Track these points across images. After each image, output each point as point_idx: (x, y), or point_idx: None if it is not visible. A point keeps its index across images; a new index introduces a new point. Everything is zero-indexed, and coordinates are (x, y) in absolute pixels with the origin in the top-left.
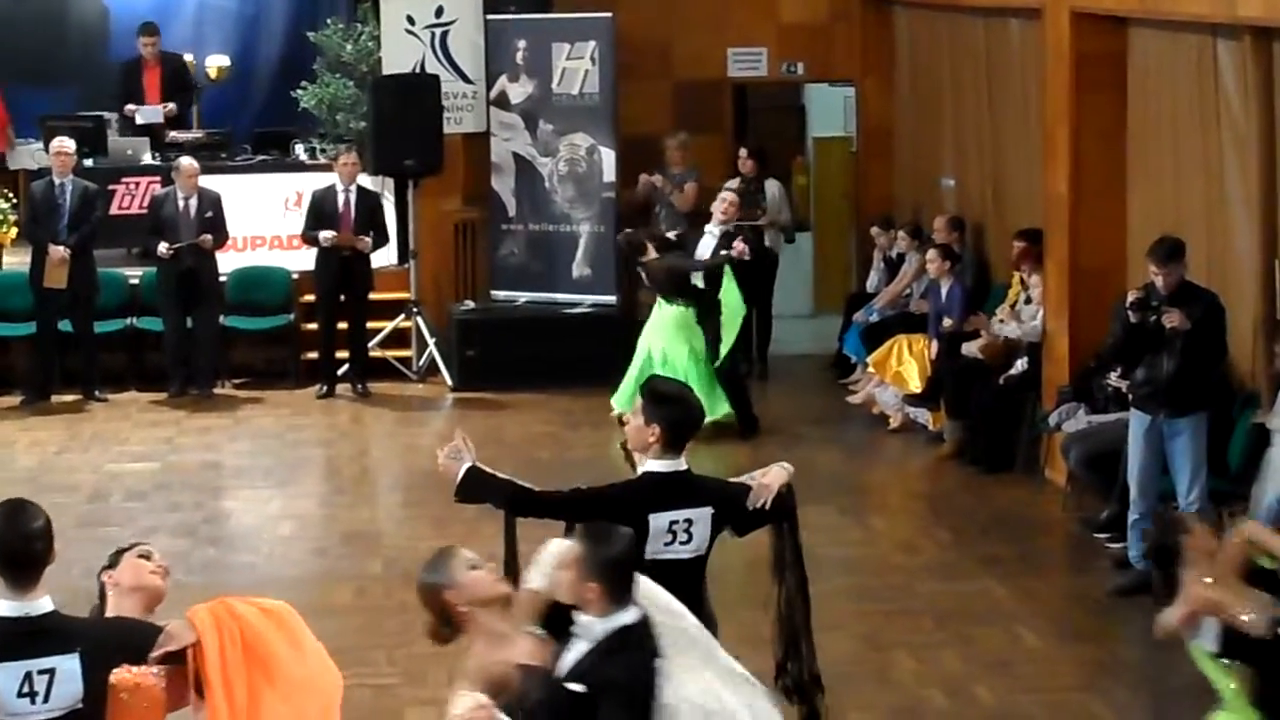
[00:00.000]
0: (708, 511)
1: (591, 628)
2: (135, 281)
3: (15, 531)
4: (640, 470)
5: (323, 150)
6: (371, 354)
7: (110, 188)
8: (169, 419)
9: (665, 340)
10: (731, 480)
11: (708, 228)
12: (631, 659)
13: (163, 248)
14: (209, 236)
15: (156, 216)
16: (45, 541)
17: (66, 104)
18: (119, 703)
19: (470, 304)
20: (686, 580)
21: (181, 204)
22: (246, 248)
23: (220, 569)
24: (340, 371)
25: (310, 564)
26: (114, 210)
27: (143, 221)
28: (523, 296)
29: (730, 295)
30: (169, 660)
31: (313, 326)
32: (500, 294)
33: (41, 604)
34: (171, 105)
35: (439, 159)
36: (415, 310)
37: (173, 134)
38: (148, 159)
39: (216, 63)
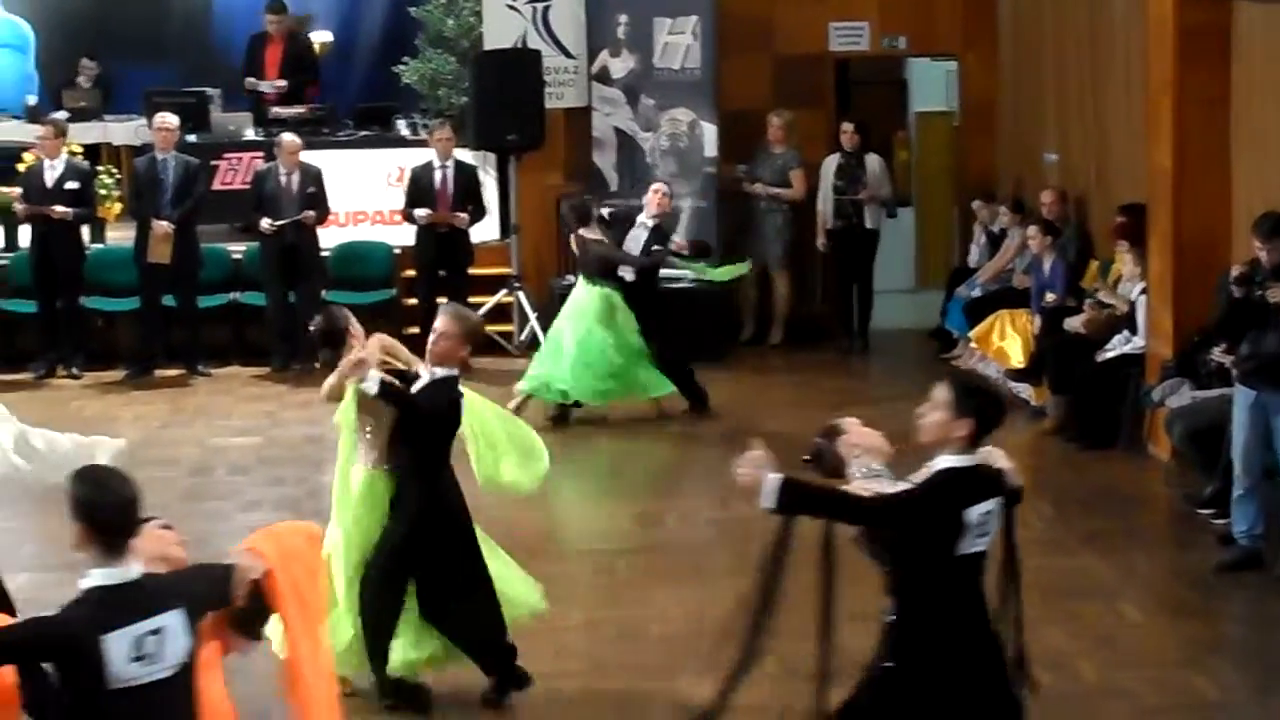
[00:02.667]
0: (999, 501)
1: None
2: (238, 257)
3: (114, 496)
4: (941, 467)
5: (424, 125)
6: None
7: (213, 163)
8: (271, 393)
9: (584, 324)
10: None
11: (640, 219)
12: None
13: (265, 223)
14: (311, 212)
15: (259, 192)
16: (138, 505)
17: (169, 80)
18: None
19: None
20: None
21: (284, 179)
22: (349, 223)
23: None
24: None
25: None
26: (217, 185)
27: (245, 197)
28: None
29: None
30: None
31: (414, 301)
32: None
33: (135, 567)
34: (284, 81)
35: (540, 134)
36: (516, 285)
37: (275, 110)
38: (250, 134)
39: (319, 38)
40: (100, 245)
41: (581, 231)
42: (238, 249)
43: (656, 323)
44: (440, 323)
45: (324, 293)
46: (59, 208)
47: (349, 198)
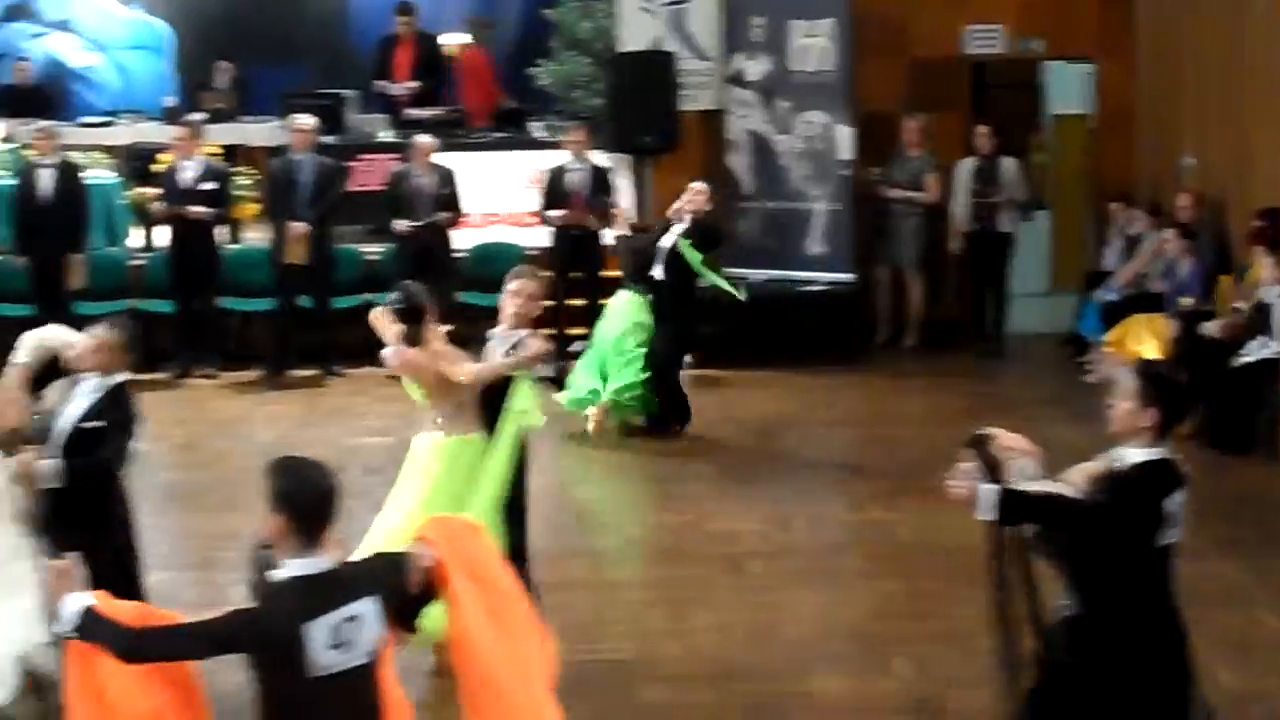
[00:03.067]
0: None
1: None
2: (372, 258)
3: (315, 487)
4: (1135, 460)
5: (559, 127)
6: None
7: (348, 164)
8: (405, 394)
9: (615, 326)
10: None
11: (671, 213)
12: None
13: (400, 224)
14: (445, 214)
15: (394, 193)
16: (337, 496)
17: (304, 81)
18: None
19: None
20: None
21: (418, 181)
22: (483, 224)
23: None
24: (571, 348)
25: (545, 538)
26: (352, 187)
27: (380, 198)
28: (758, 274)
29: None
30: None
31: (547, 302)
32: (735, 271)
33: (328, 557)
34: (416, 83)
35: (675, 136)
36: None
37: (411, 111)
38: (385, 136)
39: (456, 41)
40: (236, 246)
41: (621, 234)
42: (372, 250)
43: (680, 326)
44: (519, 284)
45: (457, 294)
46: (196, 208)
47: (483, 199)
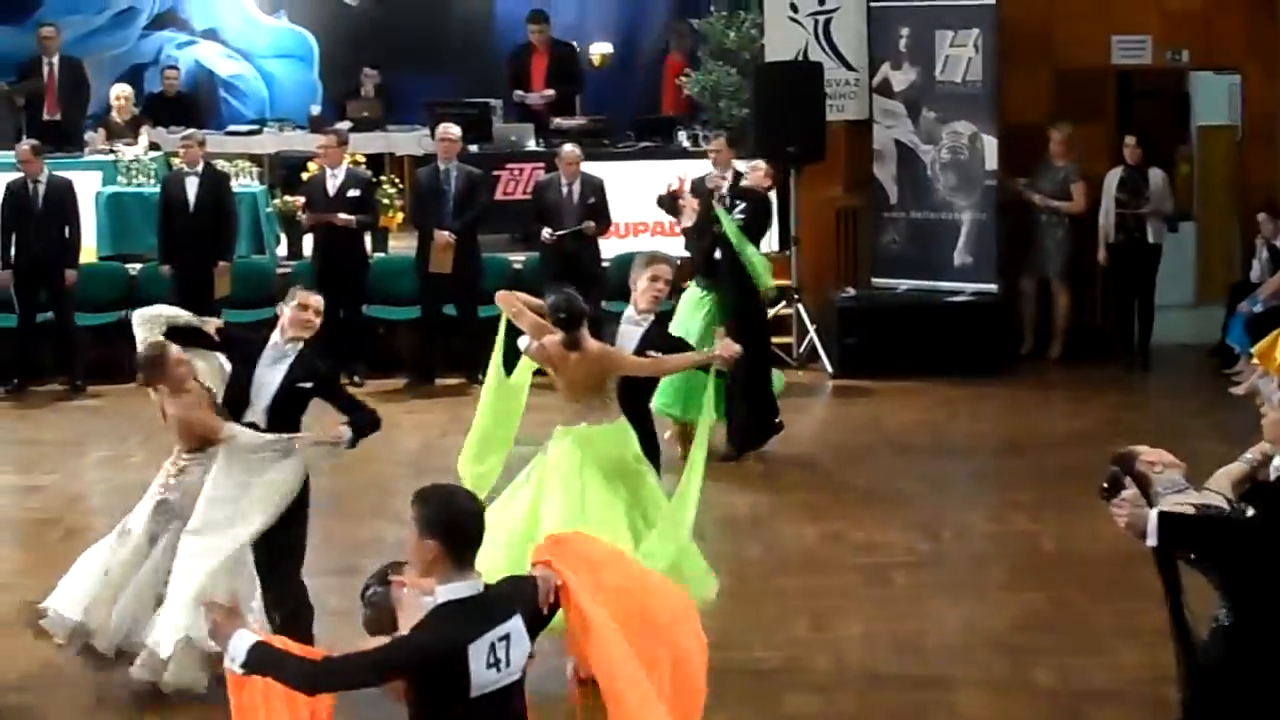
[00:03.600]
0: None
1: None
2: (518, 266)
3: (468, 512)
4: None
5: (705, 137)
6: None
7: (494, 173)
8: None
9: (682, 323)
10: None
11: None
12: None
13: (546, 233)
14: (591, 223)
15: (540, 202)
16: (484, 518)
17: (451, 90)
18: None
19: (851, 291)
20: None
21: (565, 190)
22: (629, 234)
23: None
24: None
25: None
26: (498, 196)
27: (526, 207)
28: (903, 284)
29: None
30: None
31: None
32: (881, 281)
33: (480, 580)
34: (551, 91)
35: (821, 146)
36: (796, 297)
37: (557, 120)
38: (532, 145)
39: (600, 50)
40: (382, 254)
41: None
42: (518, 259)
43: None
44: (655, 269)
45: (603, 303)
46: (342, 216)
47: (629, 208)
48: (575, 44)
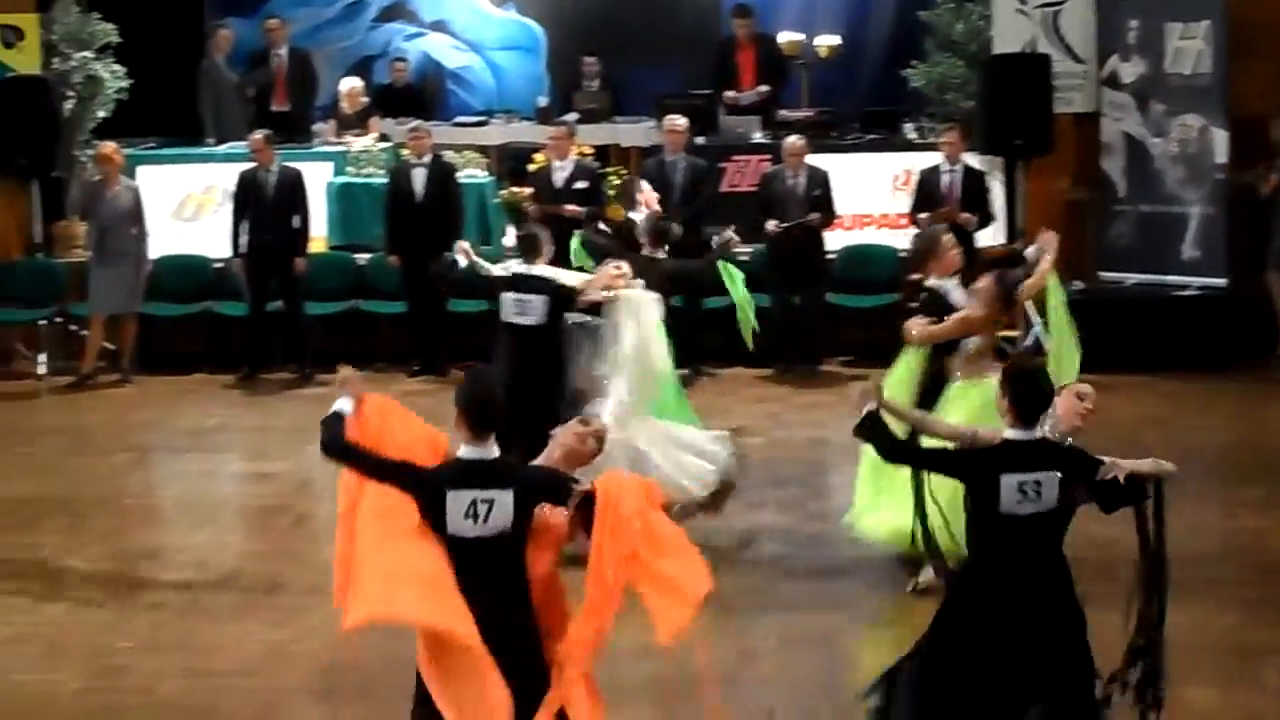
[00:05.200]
0: (1055, 475)
1: None
2: (744, 258)
3: (482, 393)
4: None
5: (931, 129)
6: None
7: (720, 165)
8: (775, 395)
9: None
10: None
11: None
12: None
13: (771, 225)
14: (817, 215)
15: (765, 194)
16: (497, 407)
17: (678, 82)
18: (535, 531)
19: (1079, 284)
20: (1041, 534)
21: (790, 182)
22: (854, 226)
23: (825, 544)
24: None
25: None
26: (724, 188)
27: (752, 199)
28: (1131, 278)
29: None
30: (580, 508)
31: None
32: (1108, 275)
33: (491, 451)
34: (766, 88)
35: (1049, 139)
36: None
37: (782, 113)
38: (758, 137)
39: (826, 42)
40: None
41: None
42: (743, 251)
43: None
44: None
45: (828, 295)
46: (570, 206)
47: (855, 200)
48: (800, 35)
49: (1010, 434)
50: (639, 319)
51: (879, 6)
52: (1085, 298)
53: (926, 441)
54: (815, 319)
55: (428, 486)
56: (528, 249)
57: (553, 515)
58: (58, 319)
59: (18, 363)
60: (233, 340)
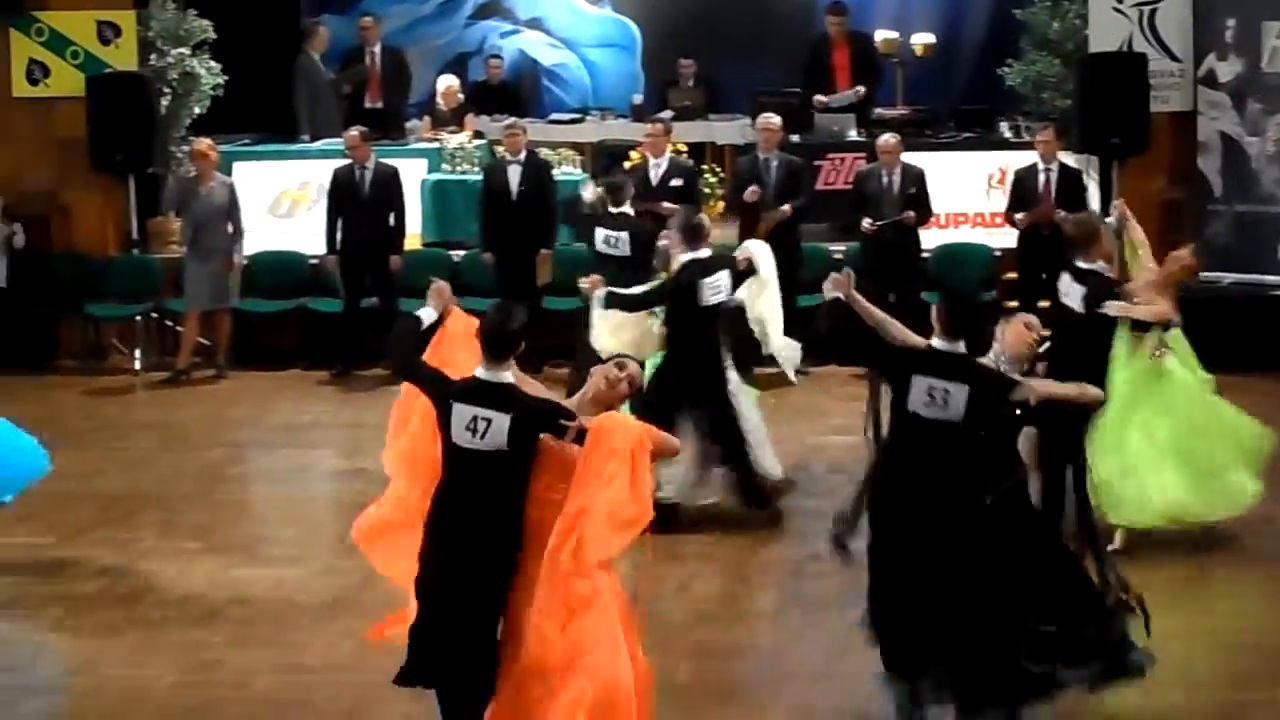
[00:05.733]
0: (964, 389)
1: None
2: (838, 256)
3: (499, 321)
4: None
5: (1027, 128)
6: None
7: (815, 163)
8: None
9: None
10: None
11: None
12: None
13: (866, 223)
14: (912, 213)
15: (860, 192)
16: (518, 335)
17: (772, 79)
18: (541, 455)
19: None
20: (944, 442)
21: (885, 180)
22: (949, 225)
23: None
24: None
25: None
26: (819, 185)
27: (847, 197)
28: (1227, 277)
29: None
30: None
31: (1014, 304)
32: (1204, 275)
33: (505, 377)
34: (861, 88)
35: (1144, 138)
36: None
37: (878, 110)
38: (853, 135)
39: (922, 40)
40: None
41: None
42: (838, 248)
43: None
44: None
45: (922, 293)
46: (666, 204)
47: (950, 199)
48: (895, 34)
49: (935, 343)
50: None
51: (975, 4)
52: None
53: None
54: (910, 317)
55: (442, 396)
56: (695, 235)
57: (560, 445)
58: (153, 315)
59: (113, 358)
60: (327, 336)
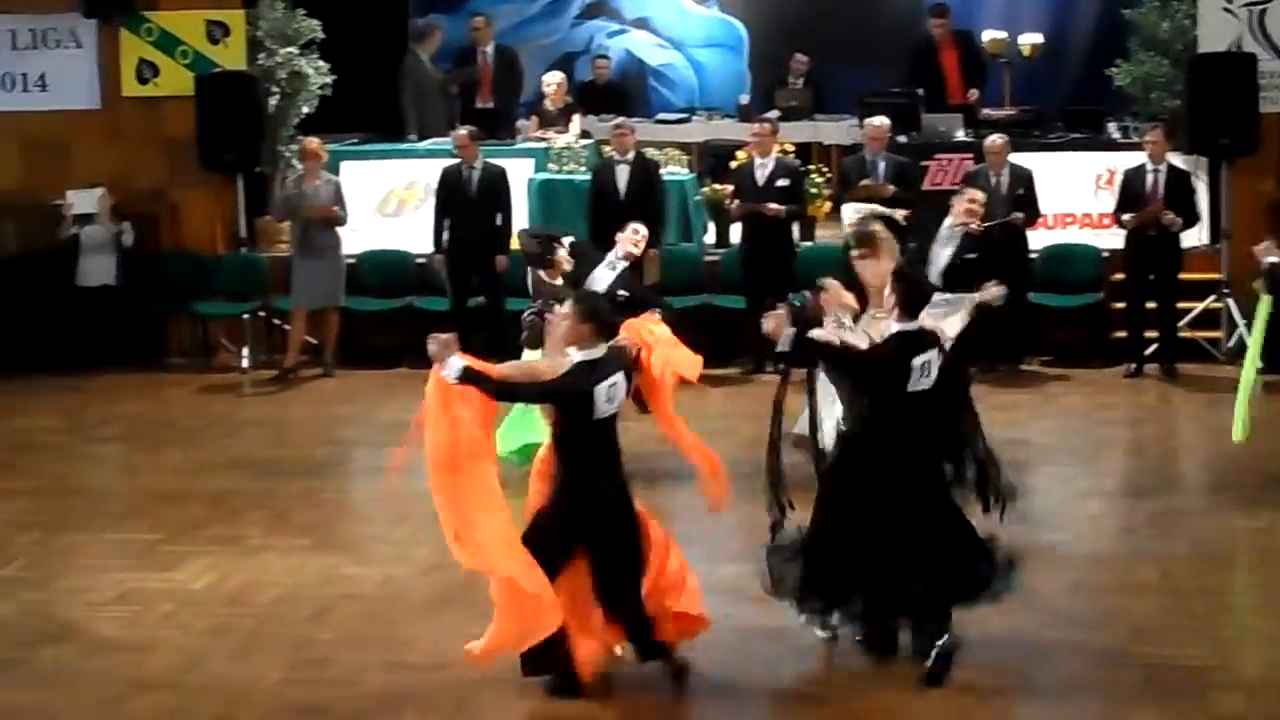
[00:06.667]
0: (935, 353)
1: None
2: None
3: (596, 304)
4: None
5: (1135, 129)
6: (1180, 334)
7: (923, 164)
8: (975, 394)
9: None
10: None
11: (609, 258)
12: None
13: (974, 225)
14: (1020, 214)
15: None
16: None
17: (879, 80)
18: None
19: None
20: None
21: (993, 181)
22: (1057, 225)
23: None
24: (1148, 351)
25: (1116, 542)
26: (926, 186)
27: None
28: None
29: None
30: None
31: (1121, 305)
32: None
33: (601, 348)
34: (974, 92)
35: (1254, 138)
36: (1225, 292)
37: (985, 111)
38: (960, 136)
39: (1030, 40)
40: (809, 243)
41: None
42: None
43: None
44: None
45: (1030, 294)
46: (772, 205)
47: (1057, 200)
48: (1003, 34)
49: (899, 327)
50: None
51: (1083, 4)
52: None
53: None
54: (1017, 318)
55: (577, 393)
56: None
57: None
58: (261, 313)
59: (221, 357)
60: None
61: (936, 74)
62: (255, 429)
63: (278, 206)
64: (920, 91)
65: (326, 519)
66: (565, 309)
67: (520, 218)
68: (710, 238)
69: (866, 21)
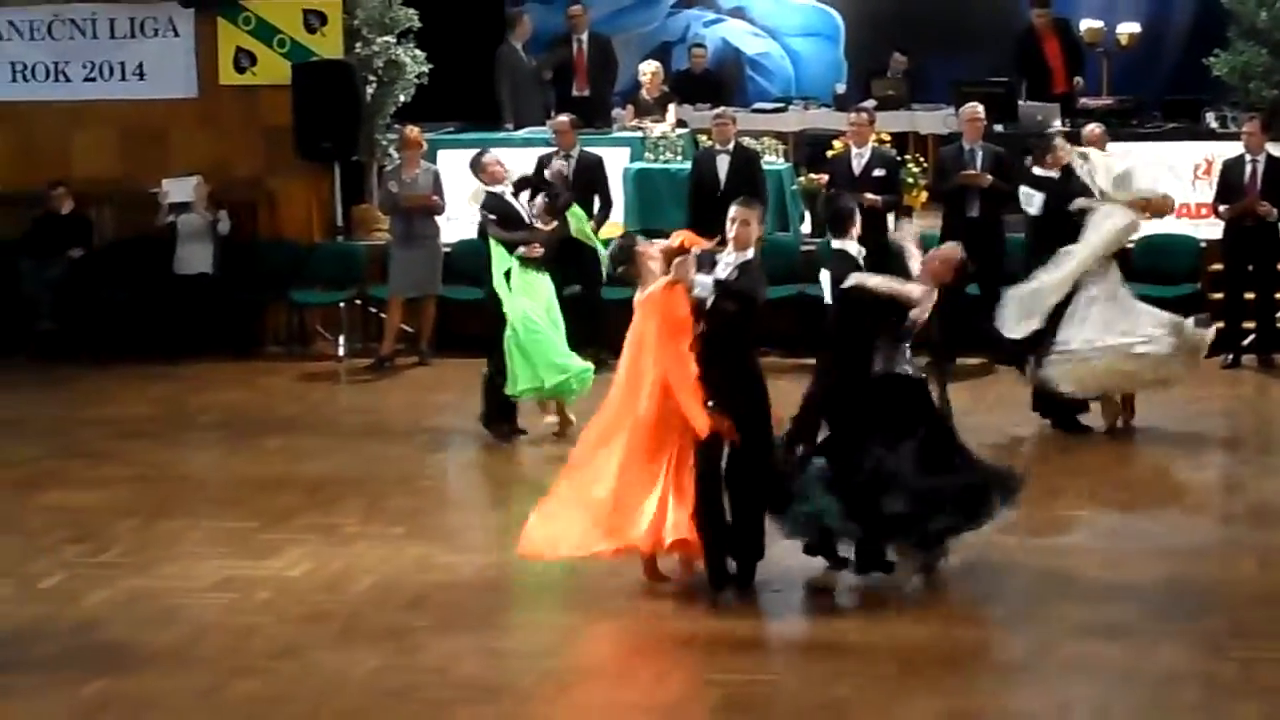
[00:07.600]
0: None
1: None
2: None
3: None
4: None
5: (1233, 118)
6: (1279, 325)
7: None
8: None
9: None
10: None
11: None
12: None
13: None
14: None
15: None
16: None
17: (976, 69)
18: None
19: None
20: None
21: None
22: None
23: (1122, 535)
24: (1245, 342)
25: (1214, 534)
26: None
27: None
28: None
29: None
30: None
31: (1219, 295)
32: None
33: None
34: (1079, 79)
35: None
36: None
37: (1083, 100)
38: (1057, 125)
39: (1127, 29)
40: None
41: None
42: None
43: None
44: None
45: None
46: (869, 195)
47: (1158, 189)
48: (1100, 23)
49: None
50: None
51: None
52: None
53: None
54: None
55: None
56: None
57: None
58: (357, 301)
59: (318, 345)
60: None
61: (1040, 63)
62: (351, 417)
63: (383, 201)
64: (1019, 81)
65: (422, 507)
66: (735, 211)
67: (617, 206)
68: (806, 227)
69: (963, 10)
